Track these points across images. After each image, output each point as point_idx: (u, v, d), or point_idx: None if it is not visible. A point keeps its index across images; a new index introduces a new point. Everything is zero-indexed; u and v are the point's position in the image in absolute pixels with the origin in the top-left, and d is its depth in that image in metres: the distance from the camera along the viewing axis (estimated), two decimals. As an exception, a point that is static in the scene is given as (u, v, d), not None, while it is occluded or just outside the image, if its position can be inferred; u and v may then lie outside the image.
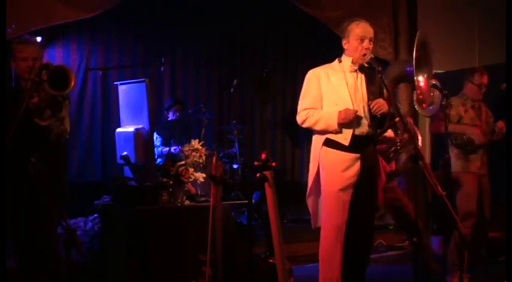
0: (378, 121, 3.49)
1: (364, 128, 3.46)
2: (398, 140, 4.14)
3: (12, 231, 3.31)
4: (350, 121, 3.40)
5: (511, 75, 4.25)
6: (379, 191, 3.56)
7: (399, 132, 4.17)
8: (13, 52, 3.30)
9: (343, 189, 3.41)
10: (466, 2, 6.92)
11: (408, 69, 3.58)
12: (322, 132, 3.51)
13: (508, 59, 4.34)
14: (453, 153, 4.55)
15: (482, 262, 4.88)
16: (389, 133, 4.08)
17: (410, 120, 4.36)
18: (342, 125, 3.42)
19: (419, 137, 4.38)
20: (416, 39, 3.54)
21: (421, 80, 3.66)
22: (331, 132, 3.46)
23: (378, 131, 3.54)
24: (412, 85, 3.74)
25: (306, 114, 3.50)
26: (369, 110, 3.45)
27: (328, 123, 3.44)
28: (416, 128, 4.57)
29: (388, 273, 5.00)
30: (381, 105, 3.41)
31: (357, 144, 3.43)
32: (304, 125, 3.55)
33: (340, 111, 3.40)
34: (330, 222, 3.45)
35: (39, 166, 3.19)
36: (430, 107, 4.34)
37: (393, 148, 4.16)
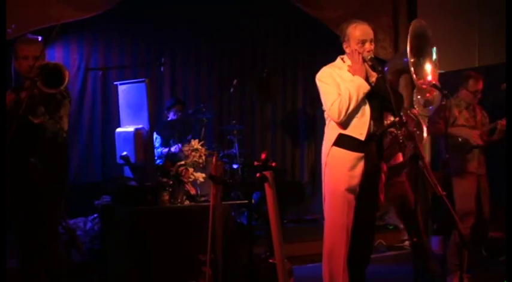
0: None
1: (370, 127, 3.40)
2: (401, 134, 4.05)
3: (14, 231, 3.31)
4: (361, 66, 3.36)
5: (511, 75, 4.25)
6: (380, 191, 3.55)
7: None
8: (15, 51, 3.30)
9: (349, 189, 3.38)
10: (466, 2, 6.91)
11: (405, 60, 3.53)
12: (346, 121, 3.37)
13: (508, 59, 4.35)
14: (450, 154, 4.55)
15: (482, 262, 4.88)
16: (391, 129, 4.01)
17: (414, 111, 4.29)
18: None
19: (425, 128, 4.28)
20: (410, 29, 3.50)
21: (428, 69, 3.59)
22: (364, 93, 3.34)
23: (381, 129, 3.51)
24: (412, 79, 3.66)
25: (338, 104, 3.34)
26: (376, 108, 3.41)
27: (358, 85, 3.33)
28: (421, 119, 4.47)
29: (388, 273, 5.00)
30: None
31: (365, 142, 3.38)
32: (341, 117, 3.34)
33: (352, 78, 3.36)
34: (334, 222, 3.41)
35: (40, 166, 3.20)
36: (430, 107, 4.32)
37: (396, 141, 4.07)
